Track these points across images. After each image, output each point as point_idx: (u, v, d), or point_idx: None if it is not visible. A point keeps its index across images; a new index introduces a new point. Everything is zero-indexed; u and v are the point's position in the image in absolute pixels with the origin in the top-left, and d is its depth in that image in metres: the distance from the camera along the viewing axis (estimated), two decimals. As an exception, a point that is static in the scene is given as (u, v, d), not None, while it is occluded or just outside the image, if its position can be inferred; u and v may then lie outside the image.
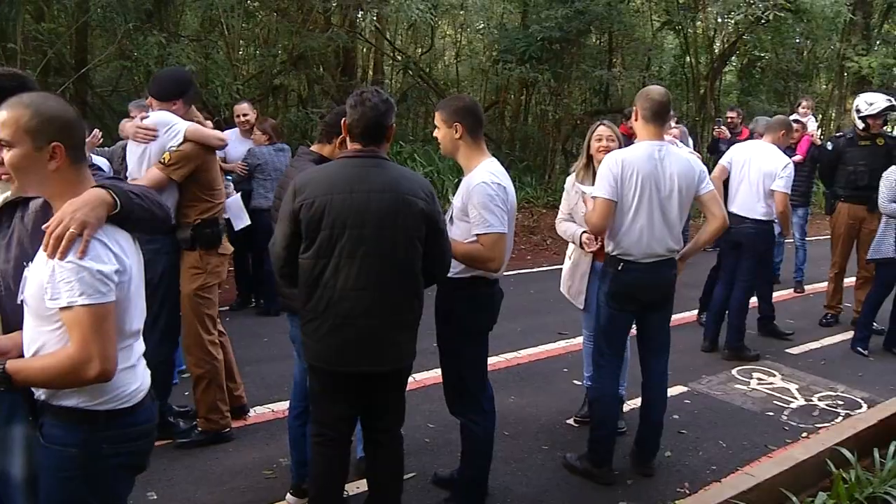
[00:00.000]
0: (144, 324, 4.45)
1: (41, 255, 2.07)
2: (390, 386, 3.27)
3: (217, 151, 4.51)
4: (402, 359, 3.22)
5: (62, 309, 2.02)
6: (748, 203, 6.14)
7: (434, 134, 3.72)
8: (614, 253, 4.18)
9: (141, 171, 4.29)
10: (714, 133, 10.19)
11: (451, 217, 3.64)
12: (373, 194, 3.02)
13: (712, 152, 10.19)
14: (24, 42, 9.56)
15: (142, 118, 4.37)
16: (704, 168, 4.33)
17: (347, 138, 3.17)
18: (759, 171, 6.08)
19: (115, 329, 2.10)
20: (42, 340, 2.13)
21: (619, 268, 4.15)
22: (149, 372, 2.41)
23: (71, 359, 2.04)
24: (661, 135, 4.17)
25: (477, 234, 3.48)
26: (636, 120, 4.18)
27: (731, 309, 6.43)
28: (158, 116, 4.30)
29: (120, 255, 2.13)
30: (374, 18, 14.74)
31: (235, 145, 7.18)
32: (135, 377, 2.28)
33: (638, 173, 4.03)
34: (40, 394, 2.21)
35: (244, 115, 7.29)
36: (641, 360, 4.41)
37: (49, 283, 2.02)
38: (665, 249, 4.16)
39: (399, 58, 16.12)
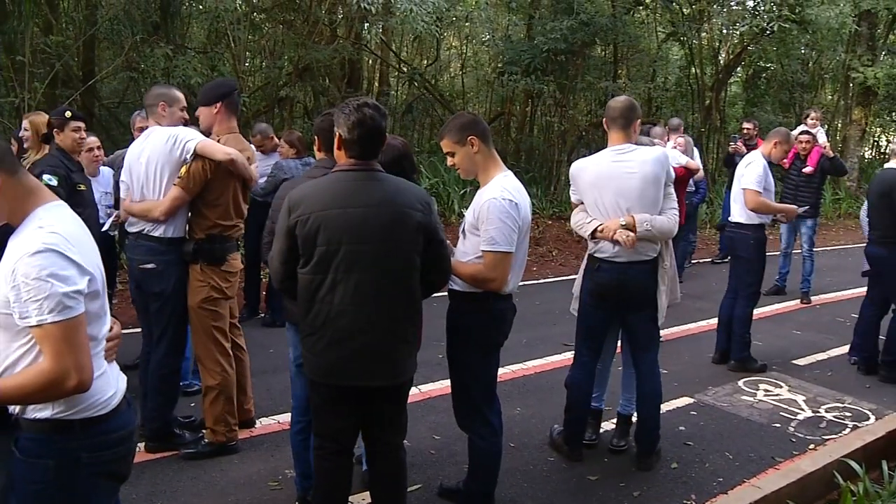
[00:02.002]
0: (152, 335, 4.48)
1: (3, 272, 2.04)
2: (390, 400, 3.25)
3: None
4: (401, 374, 3.19)
5: (32, 327, 2.01)
6: (733, 209, 6.32)
7: (450, 164, 3.68)
8: (593, 253, 4.40)
9: (152, 186, 4.32)
10: (730, 149, 10.13)
11: (463, 230, 3.64)
12: (369, 209, 3.00)
13: (728, 166, 10.18)
14: (32, 55, 9.62)
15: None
16: (669, 162, 4.47)
17: (343, 150, 3.11)
18: (735, 177, 6.28)
19: (87, 339, 2.08)
20: (16, 354, 2.10)
21: (596, 267, 4.37)
22: (124, 377, 2.38)
23: (46, 374, 2.02)
24: (625, 139, 4.30)
25: (482, 251, 3.48)
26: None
27: (734, 319, 6.39)
28: (172, 129, 4.35)
29: (87, 266, 2.10)
30: (380, 30, 14.81)
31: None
32: (108, 383, 2.25)
33: (597, 178, 4.28)
34: (14, 407, 2.19)
35: (268, 140, 7.44)
36: (633, 359, 4.61)
37: (16, 303, 2.00)
38: (638, 249, 4.26)
39: (405, 69, 16.18)
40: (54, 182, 4.58)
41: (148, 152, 4.35)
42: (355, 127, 3.02)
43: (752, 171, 6.02)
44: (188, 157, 4.25)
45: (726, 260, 10.43)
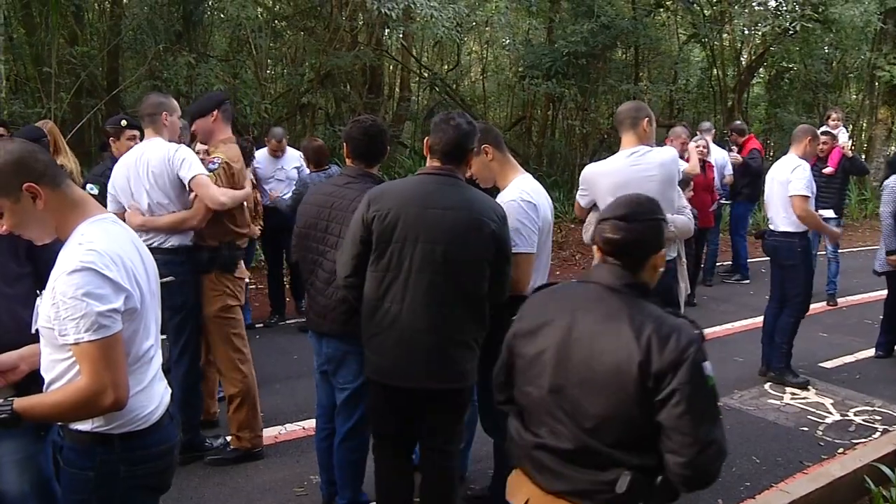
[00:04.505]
0: (175, 348, 4.41)
1: (48, 289, 2.06)
2: (449, 404, 3.24)
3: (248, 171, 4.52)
4: (463, 378, 3.17)
5: (70, 345, 2.02)
6: (774, 216, 5.99)
7: (468, 174, 3.62)
8: None
9: (166, 200, 4.24)
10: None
11: None
12: (447, 212, 3.03)
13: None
14: (58, 65, 9.77)
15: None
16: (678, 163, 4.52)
17: (427, 156, 3.21)
18: (777, 183, 5.90)
19: (124, 356, 2.09)
20: (57, 369, 2.13)
21: None
22: (169, 391, 2.39)
23: (83, 391, 2.03)
24: (636, 140, 4.26)
25: None
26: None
27: (777, 328, 6.16)
28: (173, 148, 4.26)
29: (125, 284, 2.09)
30: (401, 36, 14.85)
31: (265, 164, 7.42)
32: (150, 398, 2.25)
33: (616, 186, 4.12)
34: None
35: (276, 139, 7.49)
36: None
37: (55, 320, 2.02)
38: None
39: (426, 75, 16.23)
40: (95, 191, 4.60)
41: (152, 168, 4.19)
42: (442, 133, 3.12)
43: (800, 176, 5.70)
44: (188, 184, 4.19)
45: (734, 278, 10.17)
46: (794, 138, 6.10)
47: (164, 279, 4.20)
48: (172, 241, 4.28)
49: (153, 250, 4.17)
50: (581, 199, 4.46)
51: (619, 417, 2.14)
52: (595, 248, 2.42)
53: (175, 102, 4.43)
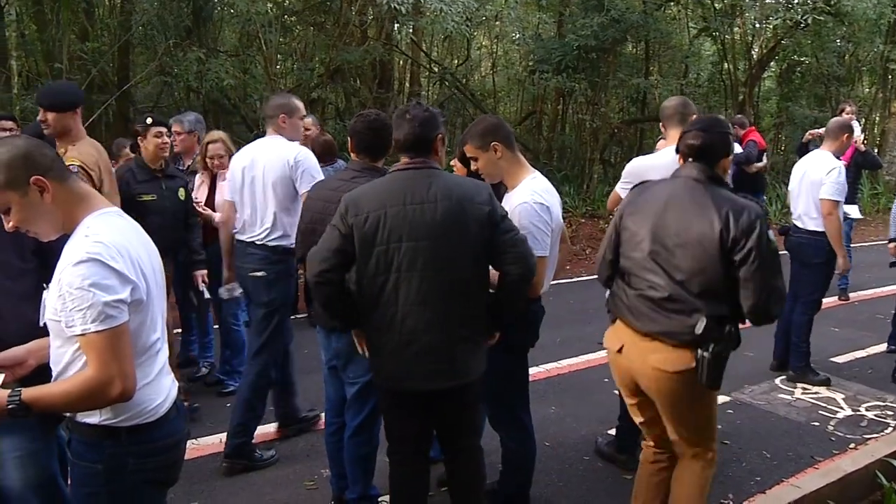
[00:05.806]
0: (255, 343, 4.37)
1: (54, 281, 2.07)
2: (460, 402, 3.19)
3: None
4: (465, 374, 3.10)
5: (77, 335, 2.03)
6: (802, 214, 5.87)
7: (473, 168, 3.60)
8: None
9: (267, 199, 4.33)
10: None
11: None
12: (427, 205, 2.94)
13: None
14: (69, 61, 9.81)
15: None
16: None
17: (399, 152, 3.14)
18: (809, 181, 5.79)
19: (131, 347, 2.10)
20: (66, 360, 2.14)
21: None
22: (176, 384, 2.39)
23: (90, 381, 2.04)
24: None
25: None
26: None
27: (792, 326, 6.10)
28: (294, 149, 4.34)
29: (132, 276, 2.10)
30: (411, 31, 14.85)
31: None
32: (157, 391, 2.26)
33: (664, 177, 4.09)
34: None
35: (306, 129, 7.49)
36: None
37: (62, 312, 2.03)
38: None
39: (435, 69, 16.21)
40: None
41: (273, 166, 4.28)
42: (400, 129, 3.07)
43: (834, 179, 5.61)
44: (300, 188, 4.25)
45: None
46: (829, 133, 5.99)
47: (255, 273, 4.28)
48: (275, 238, 4.32)
49: (256, 245, 4.30)
50: (622, 191, 4.35)
51: (703, 272, 2.97)
52: (678, 156, 3.24)
53: (296, 103, 4.47)
